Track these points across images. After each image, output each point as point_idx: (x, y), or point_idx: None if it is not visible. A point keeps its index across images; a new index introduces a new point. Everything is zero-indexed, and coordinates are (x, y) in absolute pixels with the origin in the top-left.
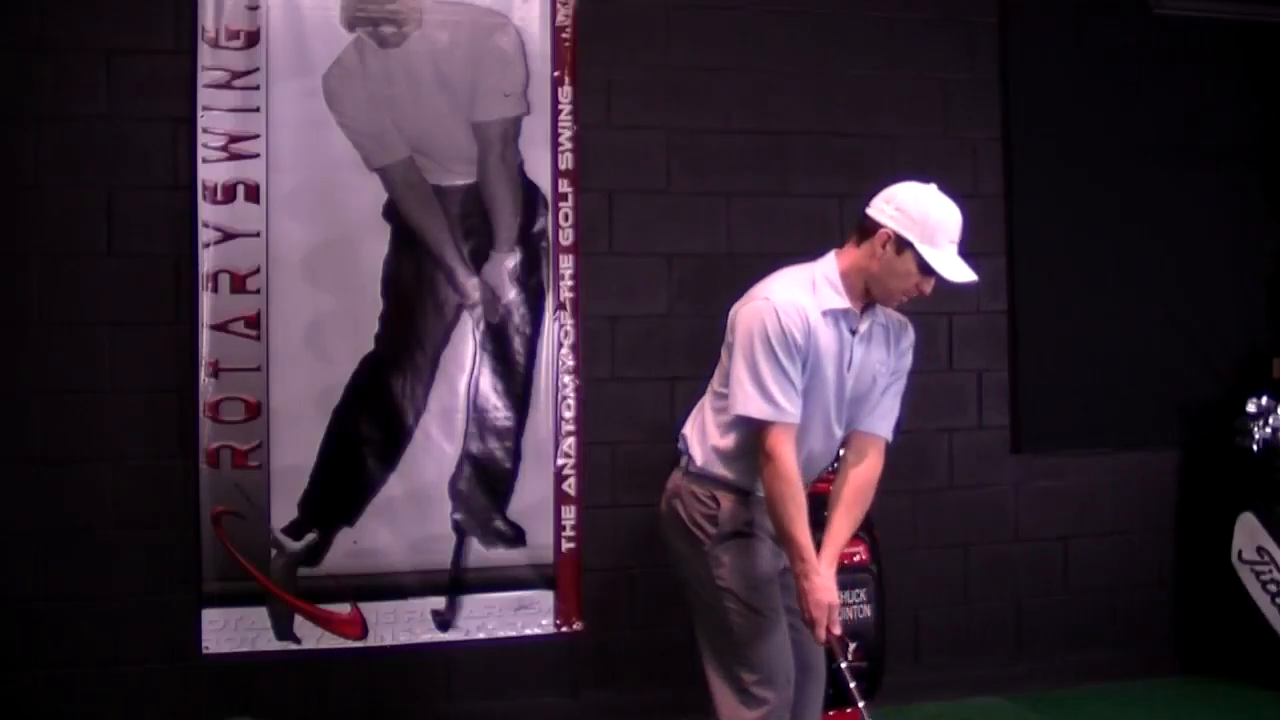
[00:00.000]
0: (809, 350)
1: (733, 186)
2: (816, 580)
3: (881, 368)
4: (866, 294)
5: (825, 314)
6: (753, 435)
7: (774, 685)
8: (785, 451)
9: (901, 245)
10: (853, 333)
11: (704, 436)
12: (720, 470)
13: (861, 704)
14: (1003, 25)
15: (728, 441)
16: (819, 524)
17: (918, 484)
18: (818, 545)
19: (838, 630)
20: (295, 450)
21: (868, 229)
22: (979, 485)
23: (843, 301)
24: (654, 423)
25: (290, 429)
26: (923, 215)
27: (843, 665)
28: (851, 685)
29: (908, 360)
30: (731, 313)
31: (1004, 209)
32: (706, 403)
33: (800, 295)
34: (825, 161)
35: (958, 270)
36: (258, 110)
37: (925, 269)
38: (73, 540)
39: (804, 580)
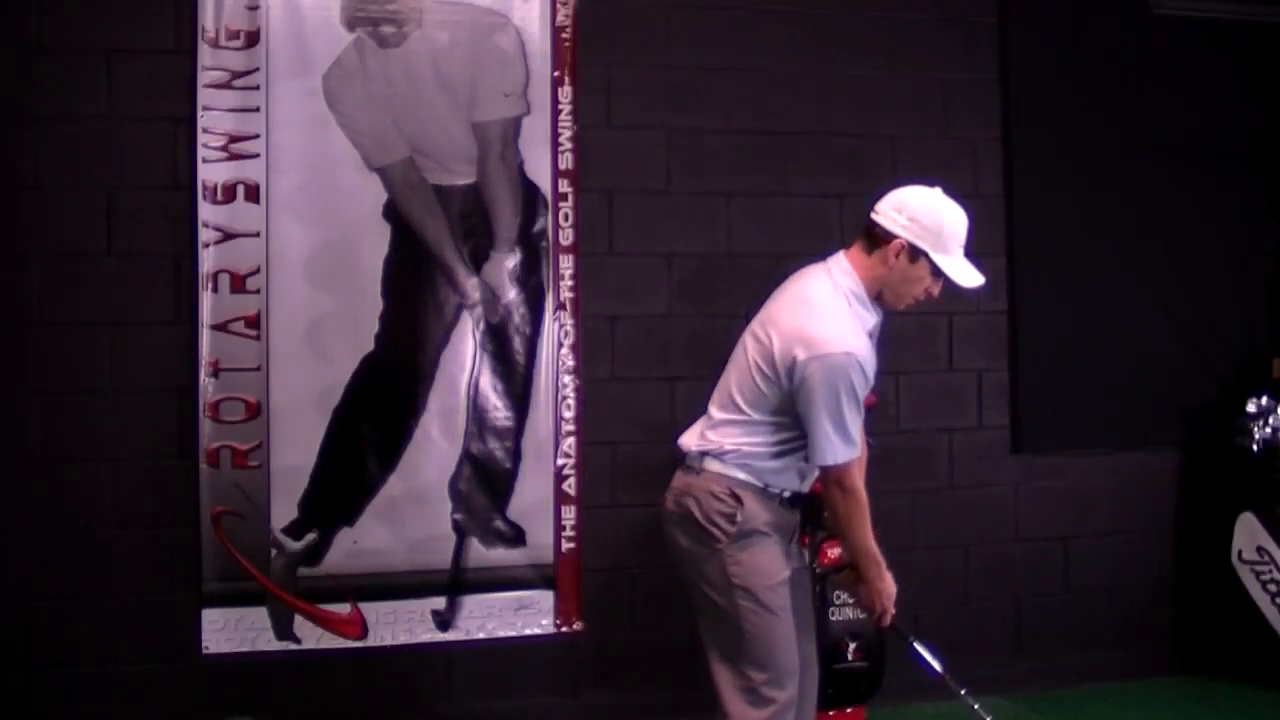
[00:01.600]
0: None
1: (733, 186)
2: (889, 577)
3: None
4: (877, 298)
5: (866, 334)
6: (828, 472)
7: (782, 684)
8: (860, 481)
9: (915, 254)
10: (870, 338)
11: (723, 443)
12: (747, 470)
13: (941, 670)
14: (1003, 25)
15: (761, 454)
16: (820, 524)
17: (918, 484)
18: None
19: (893, 611)
20: (295, 450)
21: (878, 237)
22: (979, 485)
23: (875, 317)
24: (654, 423)
25: (290, 429)
26: (936, 225)
27: (915, 643)
28: (926, 654)
29: None
30: (787, 352)
31: (1004, 209)
32: (730, 419)
33: (858, 329)
34: (825, 161)
35: (970, 276)
36: (258, 110)
37: (938, 275)
38: (73, 540)
39: (879, 581)
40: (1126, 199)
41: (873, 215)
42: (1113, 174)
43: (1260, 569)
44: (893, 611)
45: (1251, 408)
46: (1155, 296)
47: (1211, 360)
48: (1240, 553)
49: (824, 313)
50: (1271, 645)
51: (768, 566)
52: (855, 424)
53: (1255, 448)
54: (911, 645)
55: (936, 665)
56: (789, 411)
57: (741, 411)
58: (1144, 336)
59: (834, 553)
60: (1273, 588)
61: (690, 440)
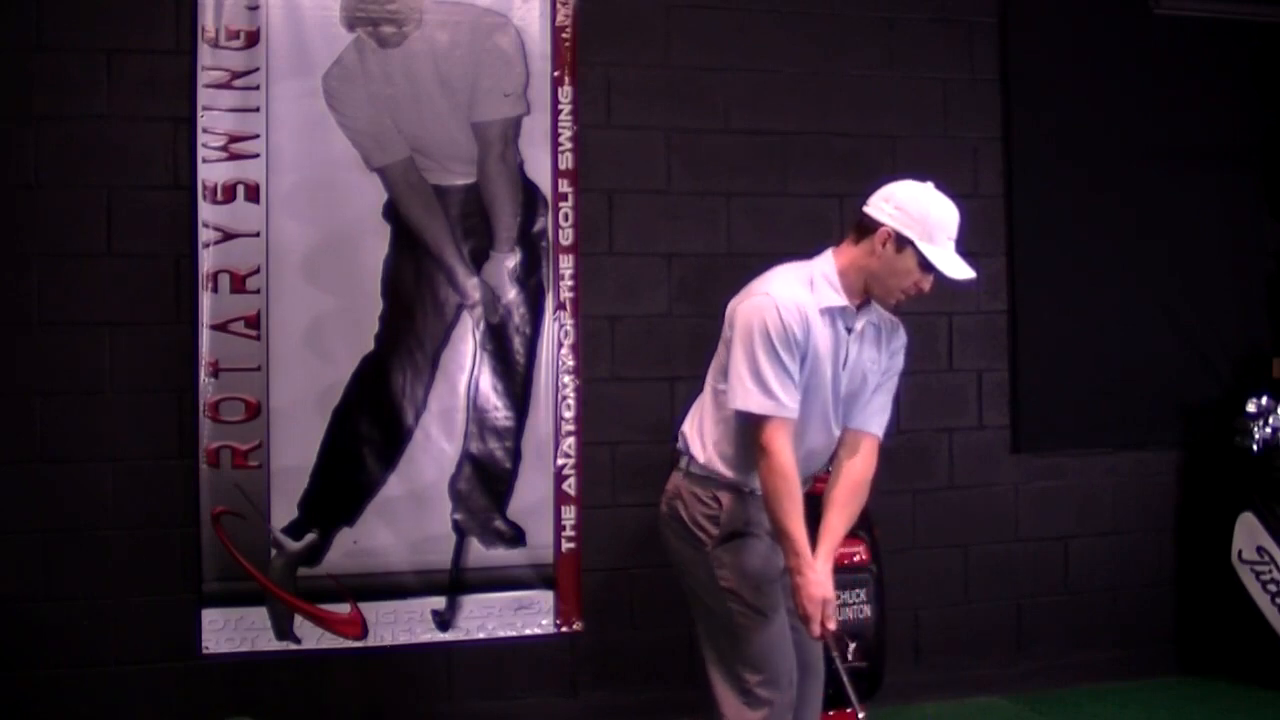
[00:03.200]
0: (808, 347)
1: (733, 186)
2: (811, 575)
3: (873, 366)
4: (865, 292)
5: (823, 311)
6: (751, 431)
7: (777, 686)
8: (781, 446)
9: (901, 243)
10: (849, 331)
11: (703, 434)
12: (721, 469)
13: (857, 704)
14: (1003, 25)
15: (728, 439)
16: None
17: (918, 484)
18: (815, 544)
19: (833, 625)
20: (295, 450)
21: (867, 227)
22: (979, 485)
23: (840, 299)
24: (654, 423)
25: (290, 429)
26: (923, 213)
27: (838, 663)
28: (847, 684)
29: (899, 361)
30: (730, 307)
31: (1004, 209)
32: (706, 399)
33: (800, 292)
34: (825, 161)
35: (957, 267)
36: (258, 110)
37: (925, 266)
38: (73, 540)
39: (798, 575)
40: (1126, 199)
41: (864, 208)
42: (1113, 174)
43: (1260, 569)
44: (826, 623)
45: (1251, 408)
46: (1155, 296)
47: (1211, 360)
48: (1240, 553)
49: (772, 275)
50: (1271, 645)
51: (754, 567)
52: (776, 377)
53: (1255, 448)
54: (835, 668)
55: (855, 701)
56: None
57: (712, 385)
58: (1144, 336)
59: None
60: (1273, 588)
61: (682, 430)
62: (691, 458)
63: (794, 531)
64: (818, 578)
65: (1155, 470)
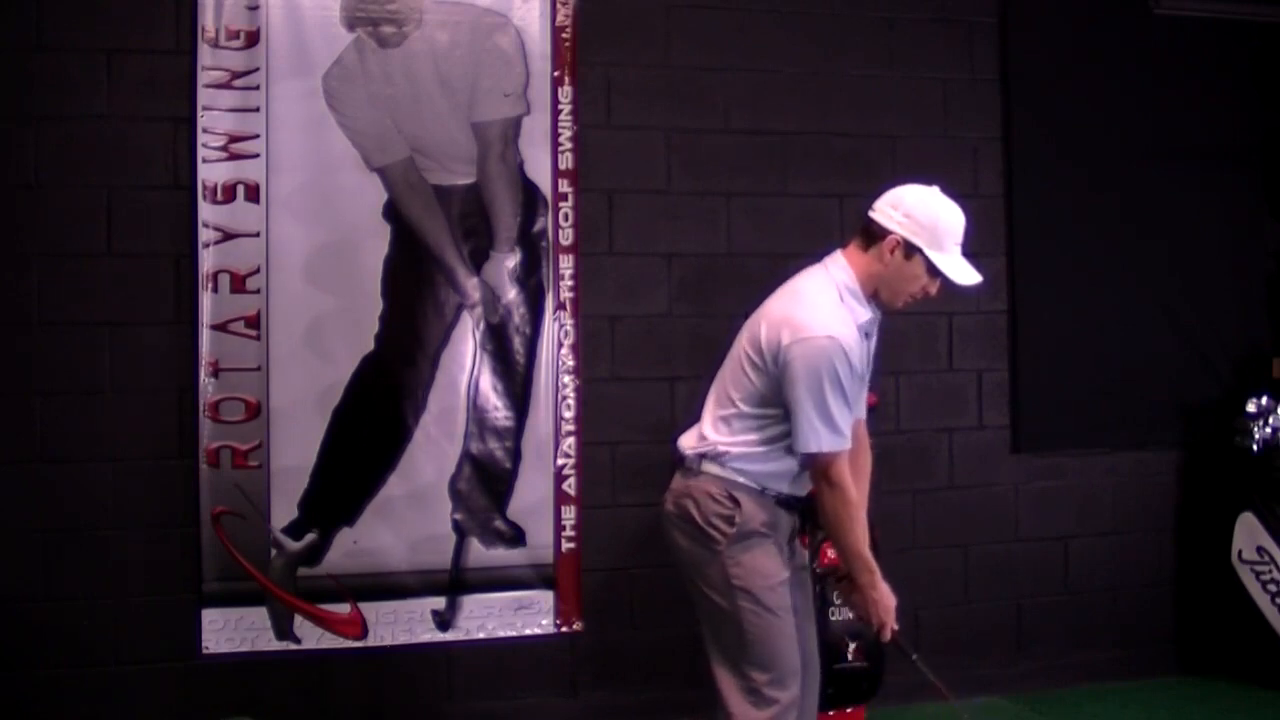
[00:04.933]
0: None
1: (733, 186)
2: (884, 587)
3: (869, 359)
4: (874, 296)
5: (859, 327)
6: (814, 464)
7: (785, 685)
8: (847, 476)
9: (910, 251)
10: (867, 336)
11: (719, 443)
12: (743, 474)
13: (951, 695)
14: (1003, 25)
15: (757, 454)
16: (820, 524)
17: (918, 484)
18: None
19: (896, 627)
20: (295, 450)
21: (875, 234)
22: (979, 485)
23: (868, 313)
24: (654, 423)
25: (290, 429)
26: (931, 221)
27: (914, 658)
28: (932, 677)
29: None
30: (773, 341)
31: (1004, 209)
32: (725, 415)
33: (847, 318)
34: (825, 161)
35: (966, 274)
36: (258, 110)
37: (934, 272)
38: (73, 540)
39: (872, 590)
40: (1126, 199)
41: (870, 213)
42: (1113, 174)
43: (1260, 569)
44: (894, 625)
45: (1251, 408)
46: (1155, 296)
47: (1211, 360)
48: (1240, 553)
49: (811, 300)
50: (1271, 645)
51: (767, 567)
52: (841, 413)
53: (1255, 448)
54: (914, 663)
55: (940, 684)
56: (779, 404)
57: (735, 405)
58: (1144, 336)
59: (834, 553)
60: (1273, 588)
61: (688, 442)
62: (704, 457)
63: (866, 552)
64: (888, 588)
65: (1155, 470)
